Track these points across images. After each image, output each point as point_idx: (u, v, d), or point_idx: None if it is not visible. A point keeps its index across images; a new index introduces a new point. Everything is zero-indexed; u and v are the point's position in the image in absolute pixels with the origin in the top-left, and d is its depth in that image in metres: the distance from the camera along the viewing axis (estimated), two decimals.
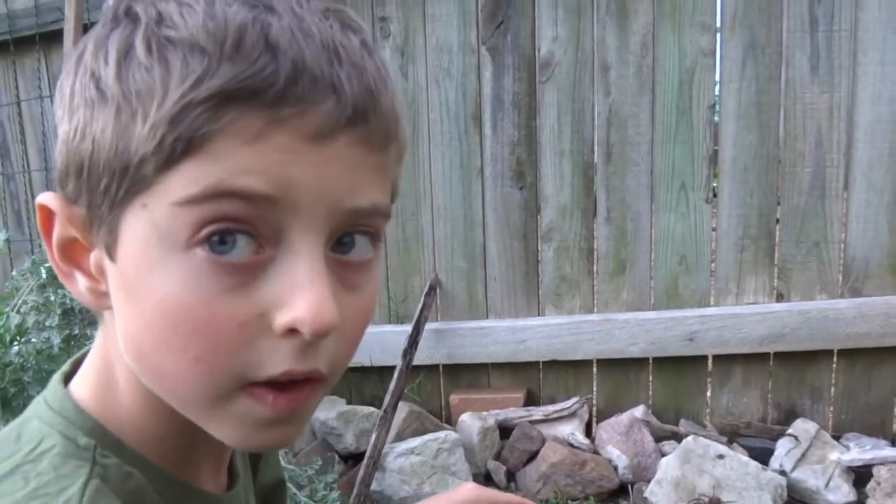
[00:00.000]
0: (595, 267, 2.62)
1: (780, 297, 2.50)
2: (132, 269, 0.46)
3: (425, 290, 2.66)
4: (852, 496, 2.26)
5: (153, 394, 0.51)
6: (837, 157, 2.41)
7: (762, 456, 2.39)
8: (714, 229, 2.53)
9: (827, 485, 2.26)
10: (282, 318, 0.45)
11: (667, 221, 2.53)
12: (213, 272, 0.45)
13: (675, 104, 2.47)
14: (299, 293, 0.45)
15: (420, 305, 2.62)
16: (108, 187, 0.45)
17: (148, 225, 0.45)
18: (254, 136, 0.43)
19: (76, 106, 0.47)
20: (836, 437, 2.44)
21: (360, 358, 2.74)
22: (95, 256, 0.50)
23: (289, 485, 1.81)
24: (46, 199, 0.49)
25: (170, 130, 0.43)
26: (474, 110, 2.60)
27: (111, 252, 0.47)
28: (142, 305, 0.46)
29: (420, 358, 2.65)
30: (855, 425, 2.49)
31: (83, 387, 0.55)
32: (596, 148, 2.55)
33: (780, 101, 2.41)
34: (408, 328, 2.58)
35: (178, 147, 0.43)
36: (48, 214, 0.50)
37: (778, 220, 2.48)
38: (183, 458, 0.56)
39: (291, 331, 0.45)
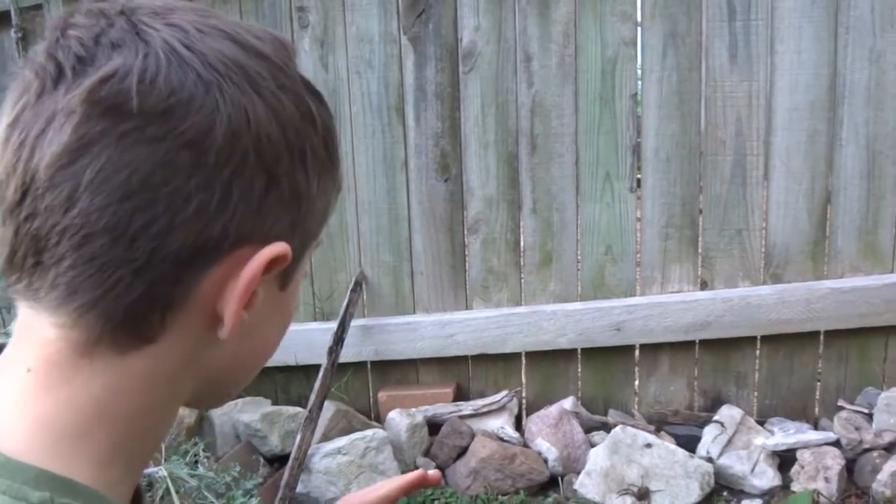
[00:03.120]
0: (522, 259, 2.60)
1: (703, 285, 2.51)
2: (294, 290, 0.59)
3: (350, 285, 2.60)
4: (777, 480, 2.28)
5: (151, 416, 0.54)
6: (757, 145, 2.43)
7: (690, 443, 2.41)
8: (639, 219, 2.54)
9: (753, 470, 2.29)
10: None
11: (592, 212, 2.53)
12: None
13: (599, 94, 2.46)
14: None
15: (345, 302, 2.56)
16: (314, 236, 0.58)
17: (307, 259, 0.59)
18: None
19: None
20: (761, 423, 2.47)
21: (286, 357, 2.67)
22: (261, 295, 0.54)
23: (206, 493, 1.74)
24: (288, 250, 0.54)
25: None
26: (397, 102, 2.55)
27: (285, 284, 0.57)
28: (287, 315, 0.60)
29: (347, 355, 2.59)
30: (779, 410, 2.53)
31: (12, 440, 0.50)
32: (520, 139, 2.52)
33: (700, 90, 2.43)
34: (333, 325, 2.52)
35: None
36: (281, 262, 0.54)
37: (701, 210, 2.50)
38: (126, 486, 0.54)
39: None
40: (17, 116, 0.48)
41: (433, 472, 0.95)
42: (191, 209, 0.48)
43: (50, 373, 0.50)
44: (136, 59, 0.48)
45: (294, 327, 2.69)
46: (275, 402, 2.72)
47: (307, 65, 2.54)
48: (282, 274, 0.55)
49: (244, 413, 2.58)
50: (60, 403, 0.50)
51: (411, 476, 0.93)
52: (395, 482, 0.92)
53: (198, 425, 2.56)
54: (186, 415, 2.50)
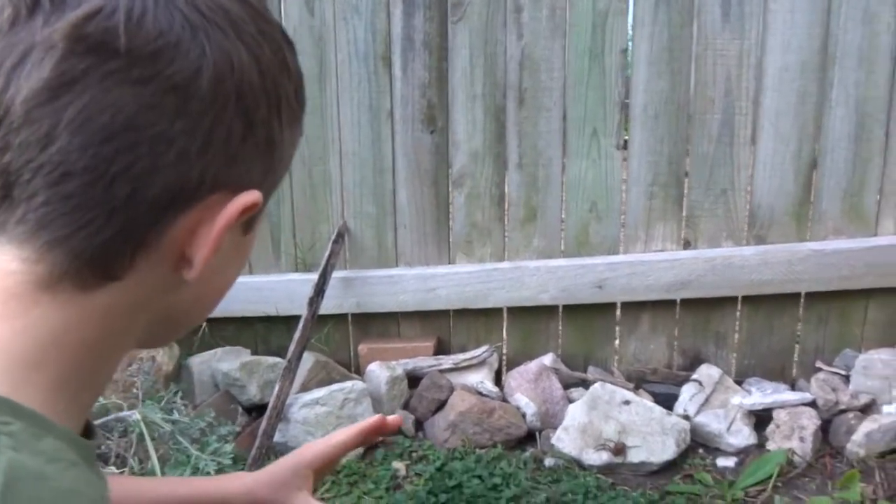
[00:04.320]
0: (506, 214, 2.59)
1: (687, 245, 2.51)
2: (252, 235, 0.59)
3: (333, 237, 2.58)
4: (752, 439, 2.30)
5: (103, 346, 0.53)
6: (746, 105, 2.41)
7: (667, 401, 2.42)
8: (624, 177, 2.52)
9: (729, 428, 2.30)
10: None
11: (578, 168, 2.50)
12: None
13: (588, 48, 2.43)
14: None
15: (327, 253, 2.53)
16: (279, 183, 0.59)
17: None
18: None
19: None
20: (739, 382, 2.49)
21: (266, 308, 2.66)
22: (227, 239, 0.54)
23: (180, 438, 1.73)
24: (260, 197, 0.54)
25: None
26: (384, 50, 2.50)
27: (248, 229, 0.57)
28: (242, 259, 0.60)
29: (328, 307, 2.58)
30: (757, 370, 2.54)
31: None
32: (508, 92, 2.49)
33: (691, 47, 2.40)
34: (315, 276, 2.50)
35: None
36: (252, 209, 0.54)
37: (686, 171, 2.48)
38: (73, 418, 0.53)
39: None
40: None
41: (393, 417, 0.94)
42: (172, 154, 0.48)
43: (7, 303, 0.49)
44: None
45: (275, 277, 2.69)
46: (255, 353, 2.70)
47: (292, 9, 2.48)
48: (248, 220, 0.56)
49: (223, 362, 2.56)
50: (16, 332, 0.49)
51: (369, 422, 0.92)
52: (353, 429, 0.92)
53: (175, 373, 2.54)
54: (164, 362, 2.48)
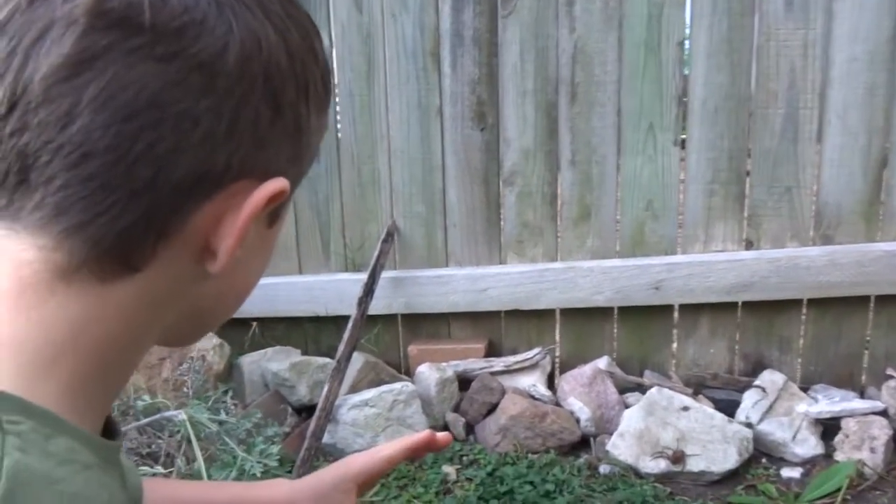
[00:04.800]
0: (559, 213, 2.52)
1: (749, 245, 2.40)
2: (279, 228, 0.57)
3: (382, 236, 2.54)
4: (819, 449, 2.19)
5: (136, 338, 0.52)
6: (811, 99, 2.30)
7: (728, 408, 2.32)
8: (682, 174, 2.43)
9: (794, 437, 2.20)
10: None
11: (633, 165, 2.42)
12: None
13: (644, 40, 2.34)
14: None
15: (376, 253, 2.50)
16: (305, 173, 0.56)
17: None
18: None
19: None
20: (805, 389, 2.37)
21: (316, 308, 2.64)
22: (252, 231, 0.52)
23: (226, 439, 1.71)
24: (288, 186, 0.52)
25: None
26: (433, 46, 2.45)
27: (273, 222, 0.55)
28: (267, 253, 0.58)
29: (378, 307, 2.55)
30: (824, 377, 2.43)
31: None
32: (560, 87, 2.42)
33: (752, 38, 2.29)
34: (364, 276, 2.47)
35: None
36: (279, 198, 0.52)
37: (748, 168, 2.38)
38: (91, 417, 0.51)
39: None
40: (5, 21, 0.44)
41: (442, 435, 0.89)
42: (197, 134, 0.46)
43: (24, 293, 0.46)
44: None
45: (325, 277, 2.66)
46: (305, 353, 2.69)
47: (341, 6, 2.46)
48: (273, 210, 0.54)
49: (273, 362, 2.55)
50: (32, 324, 0.46)
51: (418, 437, 0.88)
52: (400, 443, 0.87)
53: (226, 372, 2.54)
54: (215, 362, 2.48)
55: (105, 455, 0.49)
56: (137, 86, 0.44)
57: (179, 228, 0.48)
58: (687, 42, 2.34)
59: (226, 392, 2.26)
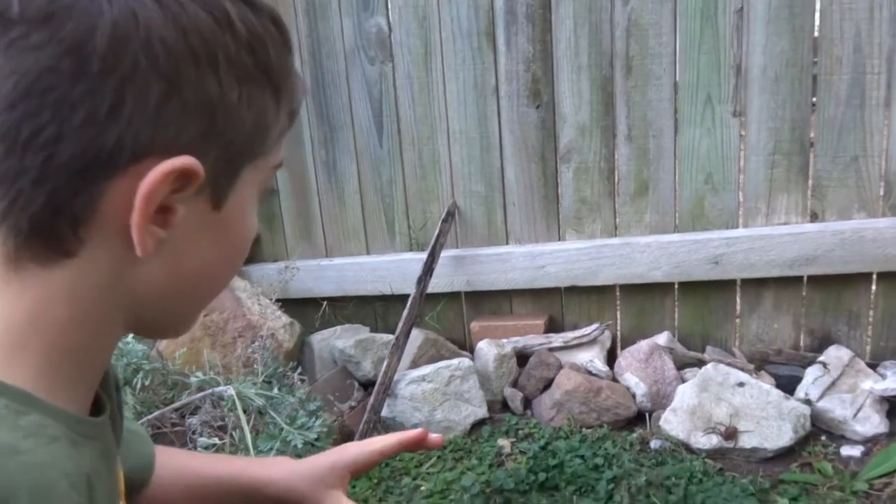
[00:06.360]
0: (616, 189, 2.50)
1: (814, 217, 2.32)
2: (236, 215, 0.57)
3: (442, 216, 2.59)
4: (883, 427, 2.11)
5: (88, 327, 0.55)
6: (878, 63, 2.19)
7: (791, 384, 2.27)
8: (742, 146, 2.36)
9: (856, 415, 2.12)
10: None
11: (691, 138, 2.38)
12: None
13: (699, 9, 2.29)
14: None
15: (436, 232, 2.56)
16: (243, 152, 0.55)
17: (254, 181, 0.58)
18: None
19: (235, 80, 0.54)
20: (873, 366, 2.28)
21: (382, 287, 2.72)
22: (182, 213, 0.53)
23: (273, 414, 1.81)
24: (194, 163, 0.52)
25: (292, 115, 0.60)
26: (487, 26, 2.47)
27: (218, 203, 0.55)
28: (231, 241, 0.58)
29: (440, 285, 2.61)
30: (895, 353, 2.32)
31: None
32: (615, 61, 2.39)
33: (814, 1, 2.20)
34: (425, 256, 2.53)
35: (288, 126, 0.59)
36: (190, 176, 0.52)
37: (812, 138, 2.30)
38: (72, 395, 0.55)
39: None
40: None
41: (434, 436, 0.93)
42: (78, 117, 0.47)
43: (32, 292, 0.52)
44: None
45: (390, 257, 2.74)
46: (374, 330, 2.78)
47: None
48: (210, 191, 0.54)
49: (341, 339, 2.65)
50: None
51: (410, 434, 0.92)
52: (392, 437, 0.92)
53: (297, 350, 2.66)
54: (286, 339, 2.60)
55: (81, 430, 0.53)
56: (16, 76, 0.46)
57: (92, 210, 0.50)
58: (744, 8, 2.27)
59: (294, 368, 2.38)
